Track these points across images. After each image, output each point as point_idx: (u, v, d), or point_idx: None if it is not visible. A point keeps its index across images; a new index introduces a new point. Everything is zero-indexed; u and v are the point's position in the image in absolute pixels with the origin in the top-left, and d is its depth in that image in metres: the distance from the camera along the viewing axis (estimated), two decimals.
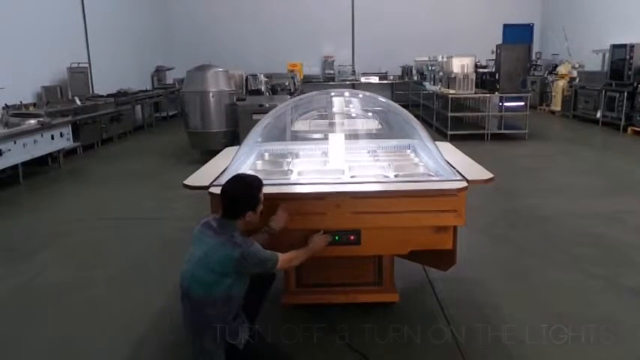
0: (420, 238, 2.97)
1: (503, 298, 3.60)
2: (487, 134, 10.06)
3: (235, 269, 2.41)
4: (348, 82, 15.75)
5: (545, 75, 14.52)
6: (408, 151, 4.03)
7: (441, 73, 11.40)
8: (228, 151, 3.93)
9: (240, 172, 3.05)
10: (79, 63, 10.59)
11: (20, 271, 4.32)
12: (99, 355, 3.09)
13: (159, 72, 15.14)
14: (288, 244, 2.79)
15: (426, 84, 12.76)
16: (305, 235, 2.86)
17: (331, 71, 16.20)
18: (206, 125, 8.43)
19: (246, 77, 9.99)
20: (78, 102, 9.62)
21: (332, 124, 3.75)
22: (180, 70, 12.58)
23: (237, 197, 2.53)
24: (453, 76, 10.31)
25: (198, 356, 2.50)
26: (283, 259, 2.60)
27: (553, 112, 13.58)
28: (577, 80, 12.65)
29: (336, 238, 2.89)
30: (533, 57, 15.33)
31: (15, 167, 7.17)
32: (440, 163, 3.32)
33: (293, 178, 3.31)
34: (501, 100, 10.12)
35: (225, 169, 3.26)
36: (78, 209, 6.14)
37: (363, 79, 15.90)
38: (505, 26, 15.73)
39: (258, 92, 9.60)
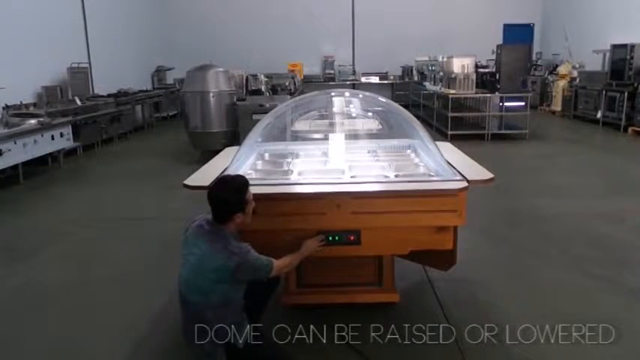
0: (420, 238, 2.97)
1: (504, 298, 3.59)
2: (487, 134, 10.06)
3: (231, 278, 2.40)
4: (348, 82, 15.73)
5: (546, 75, 14.51)
6: (408, 151, 4.03)
7: (441, 73, 11.39)
8: (228, 151, 3.92)
9: (239, 172, 3.05)
10: (79, 63, 10.60)
11: (20, 271, 4.32)
12: (99, 355, 3.09)
13: (159, 72, 15.16)
14: (286, 244, 2.79)
15: (427, 84, 12.76)
16: (299, 236, 2.86)
17: (331, 71, 16.17)
18: (206, 125, 8.43)
19: (247, 77, 9.99)
20: (78, 102, 9.62)
21: (332, 124, 3.75)
22: (180, 70, 12.59)
23: (223, 201, 2.47)
24: (453, 76, 10.30)
25: (199, 357, 2.50)
26: (278, 265, 2.58)
27: (553, 112, 13.58)
28: (577, 80, 12.64)
29: (330, 238, 2.88)
30: (534, 57, 15.32)
31: (15, 167, 7.18)
32: (440, 163, 3.31)
33: (293, 178, 3.30)
34: (502, 100, 10.11)
35: (225, 169, 3.26)
36: (78, 209, 6.14)
37: (363, 79, 15.88)
38: (505, 26, 15.72)
39: (259, 92, 9.60)
